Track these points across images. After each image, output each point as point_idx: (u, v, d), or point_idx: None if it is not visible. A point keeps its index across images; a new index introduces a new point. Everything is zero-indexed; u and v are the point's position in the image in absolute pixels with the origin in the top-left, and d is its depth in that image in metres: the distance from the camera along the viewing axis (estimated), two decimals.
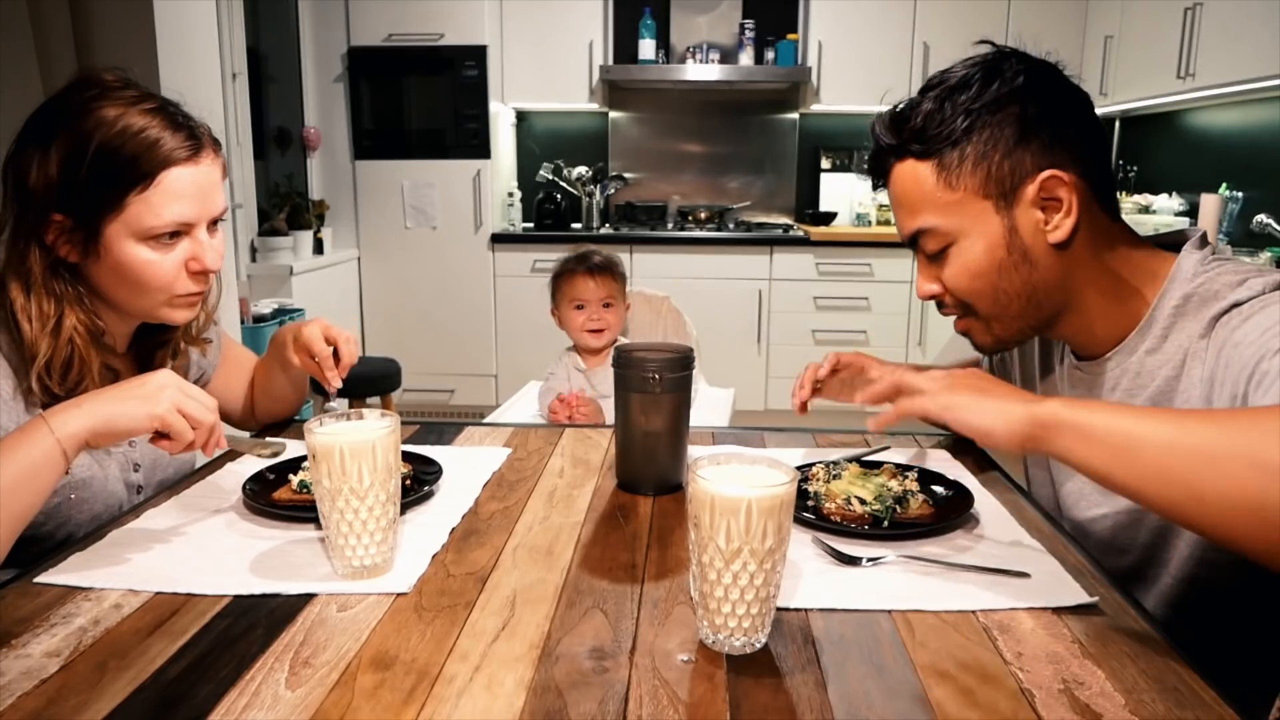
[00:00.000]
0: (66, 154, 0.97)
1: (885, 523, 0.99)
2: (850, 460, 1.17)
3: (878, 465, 1.15)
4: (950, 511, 1.02)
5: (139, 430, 0.89)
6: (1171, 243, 1.00)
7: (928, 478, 1.11)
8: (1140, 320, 0.97)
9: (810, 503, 1.04)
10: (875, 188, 1.06)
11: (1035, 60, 0.96)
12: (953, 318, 1.06)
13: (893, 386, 0.97)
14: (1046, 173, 0.93)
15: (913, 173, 0.98)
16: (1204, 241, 0.98)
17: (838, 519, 1.00)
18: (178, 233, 1.04)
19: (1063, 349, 1.10)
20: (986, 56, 0.97)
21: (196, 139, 1.04)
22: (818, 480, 1.08)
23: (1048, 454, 0.81)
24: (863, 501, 1.01)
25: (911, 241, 1.02)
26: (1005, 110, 0.93)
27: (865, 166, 1.05)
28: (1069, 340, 1.06)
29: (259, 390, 1.39)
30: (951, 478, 1.12)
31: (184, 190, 1.02)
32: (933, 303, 1.05)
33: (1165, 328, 0.94)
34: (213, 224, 1.08)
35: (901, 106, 1.00)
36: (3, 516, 0.83)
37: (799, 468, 1.17)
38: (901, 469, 1.13)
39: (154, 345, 1.19)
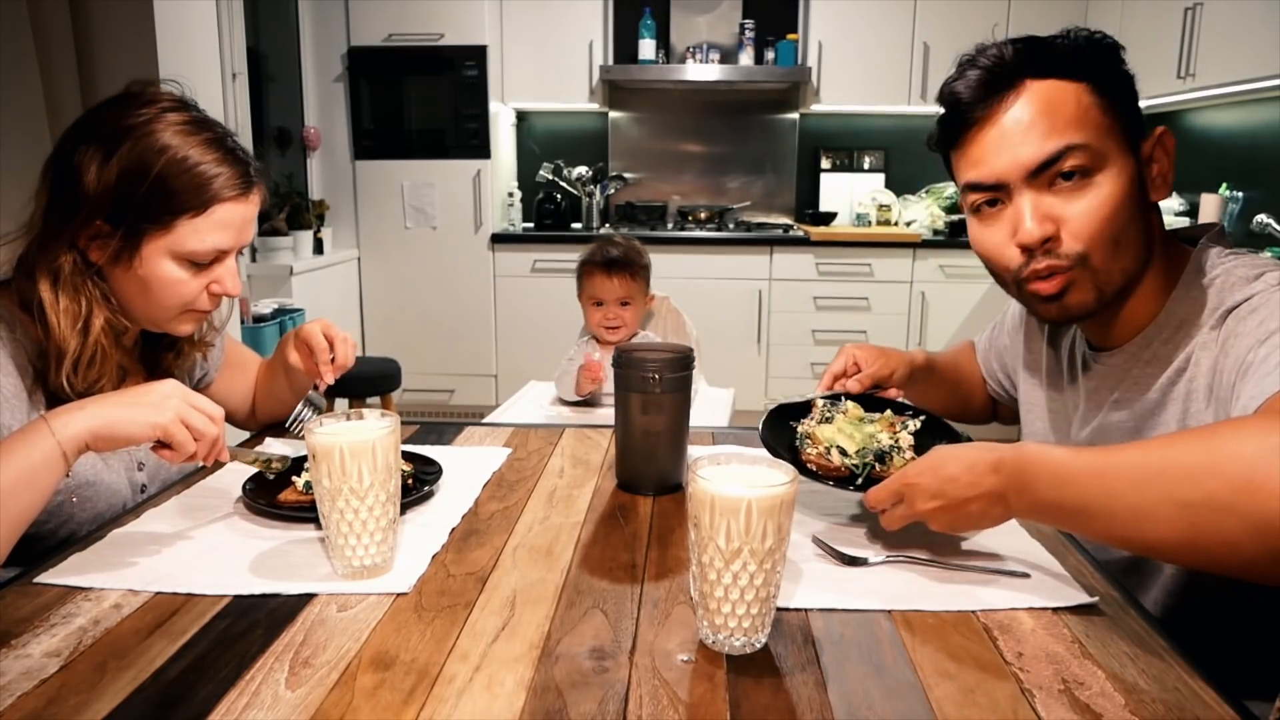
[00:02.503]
0: (126, 170, 1.00)
1: (860, 480, 0.98)
2: (852, 399, 1.12)
3: (881, 408, 1.11)
4: None
5: (140, 437, 0.90)
6: (1189, 238, 1.01)
7: (933, 431, 1.06)
8: (1158, 312, 0.97)
9: (795, 443, 1.03)
10: (972, 116, 0.95)
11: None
12: (1040, 281, 0.95)
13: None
14: (1161, 128, 0.94)
15: (1062, 91, 0.92)
16: (1221, 235, 0.99)
17: (813, 468, 0.99)
18: (213, 261, 1.07)
19: (1073, 340, 1.10)
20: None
21: (248, 178, 1.08)
22: (812, 420, 1.07)
23: None
24: (843, 453, 0.99)
25: (1041, 167, 0.91)
26: (1122, 66, 0.94)
27: (971, 87, 0.95)
28: (1103, 325, 1.03)
29: (261, 390, 1.39)
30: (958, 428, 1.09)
31: (230, 222, 1.06)
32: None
33: (1181, 319, 0.95)
34: (238, 253, 1.12)
35: (1034, 37, 0.95)
36: (2, 517, 0.83)
37: (807, 399, 1.14)
38: (906, 411, 1.09)
39: (161, 347, 1.20)
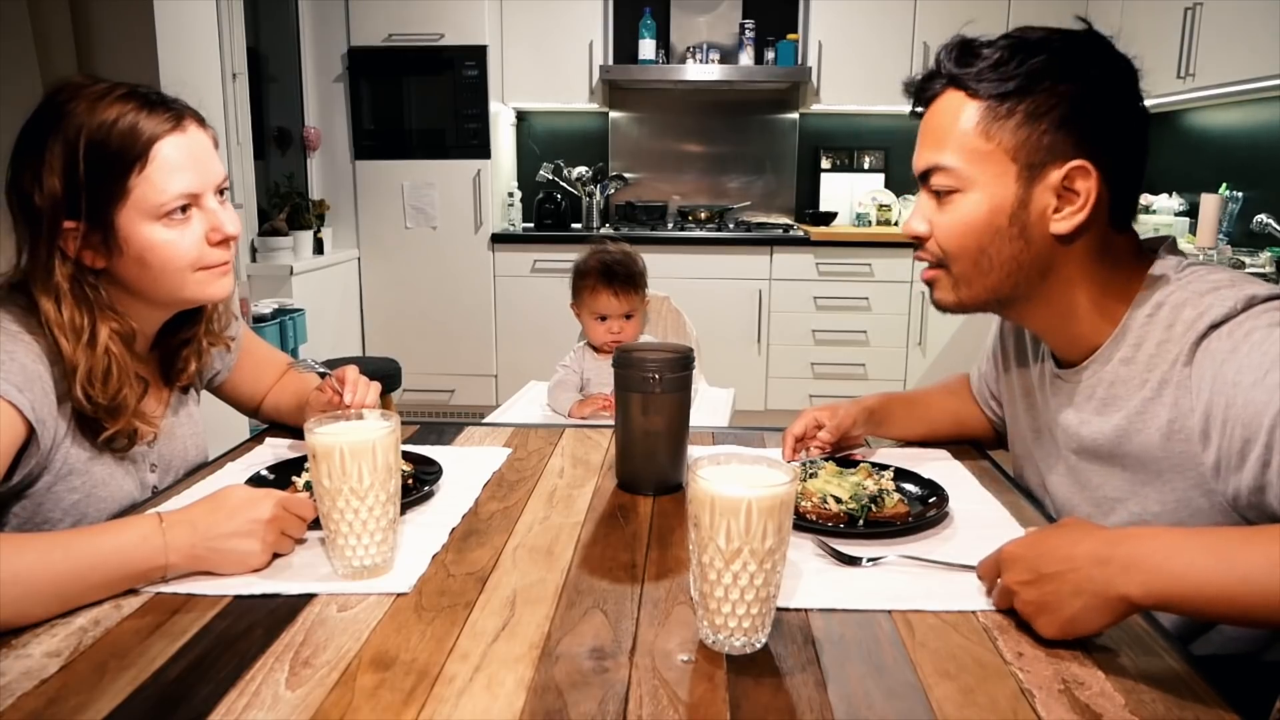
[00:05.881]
0: (59, 162, 0.99)
1: (860, 521, 0.99)
2: (826, 459, 1.18)
3: (854, 464, 1.15)
4: (926, 509, 1.03)
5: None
6: (1149, 248, 1.01)
7: (903, 476, 1.12)
8: (1115, 329, 0.97)
9: None
10: (913, 111, 1.02)
11: (1118, 56, 0.98)
12: (927, 273, 1.04)
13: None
14: (1076, 162, 0.92)
15: (956, 107, 0.95)
16: (1173, 248, 0.99)
17: (814, 517, 1.00)
18: (187, 206, 1.05)
19: (1042, 355, 1.10)
20: (1074, 30, 0.97)
21: (174, 110, 1.05)
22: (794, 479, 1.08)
23: None
24: (838, 500, 1.01)
25: (923, 175, 1.00)
26: (1068, 85, 0.92)
27: (909, 88, 1.02)
28: (1044, 337, 1.06)
29: (283, 397, 1.38)
30: (926, 476, 1.12)
31: (180, 160, 1.03)
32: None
33: (1139, 337, 0.94)
34: (219, 194, 1.09)
35: (972, 39, 0.97)
36: (78, 592, 0.82)
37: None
38: (877, 467, 1.13)
39: (178, 344, 1.18)
